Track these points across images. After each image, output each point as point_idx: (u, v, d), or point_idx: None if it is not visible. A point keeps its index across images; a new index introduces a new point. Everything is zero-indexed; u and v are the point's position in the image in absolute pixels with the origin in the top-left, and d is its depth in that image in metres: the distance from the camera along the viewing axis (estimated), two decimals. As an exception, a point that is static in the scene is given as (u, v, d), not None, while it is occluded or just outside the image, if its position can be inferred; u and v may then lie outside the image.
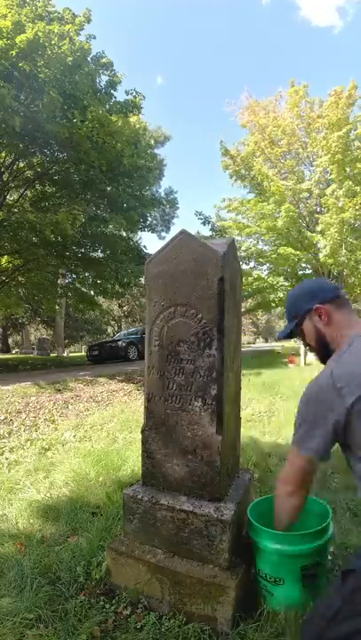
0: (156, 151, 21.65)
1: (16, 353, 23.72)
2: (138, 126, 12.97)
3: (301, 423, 1.12)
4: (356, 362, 1.05)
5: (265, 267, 15.52)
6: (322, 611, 0.97)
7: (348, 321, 1.19)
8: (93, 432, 4.73)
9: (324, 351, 1.24)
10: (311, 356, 12.76)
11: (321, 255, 12.53)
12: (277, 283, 14.01)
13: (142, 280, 9.71)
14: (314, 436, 1.08)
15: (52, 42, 8.35)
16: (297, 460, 1.16)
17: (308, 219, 14.44)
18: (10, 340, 29.62)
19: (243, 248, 14.64)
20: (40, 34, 7.80)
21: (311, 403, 1.08)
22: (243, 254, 14.69)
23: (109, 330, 33.15)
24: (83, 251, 12.24)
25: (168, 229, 25.42)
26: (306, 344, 1.32)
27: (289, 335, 1.36)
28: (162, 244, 2.23)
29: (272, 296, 14.26)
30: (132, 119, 12.06)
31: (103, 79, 10.29)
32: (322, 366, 1.20)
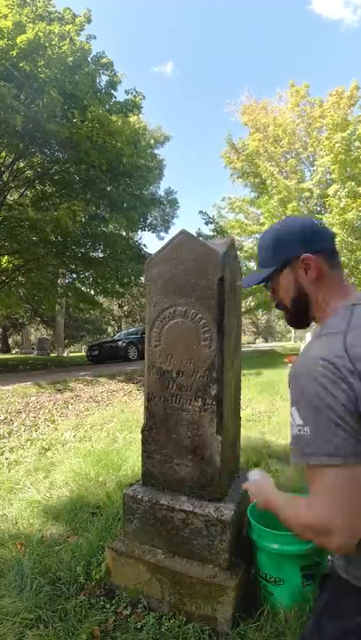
0: (156, 151, 21.66)
1: (16, 353, 23.72)
2: (138, 126, 12.99)
3: (315, 424, 0.70)
4: None
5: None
6: (310, 626, 0.86)
7: (339, 285, 0.89)
8: (93, 432, 4.73)
9: (299, 315, 0.94)
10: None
11: None
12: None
13: (142, 280, 9.72)
14: (338, 434, 0.68)
15: (53, 42, 8.36)
16: (329, 482, 0.68)
17: (308, 219, 14.45)
18: (10, 340, 29.61)
19: (244, 248, 14.66)
20: (40, 34, 7.80)
21: (321, 390, 0.69)
22: (244, 254, 14.71)
23: (109, 330, 33.14)
24: (83, 250, 12.24)
25: (168, 229, 25.43)
26: (276, 301, 0.98)
27: (259, 283, 0.98)
28: (162, 244, 2.24)
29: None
30: (132, 119, 12.07)
31: (103, 79, 10.31)
32: None
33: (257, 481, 1.20)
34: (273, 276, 0.94)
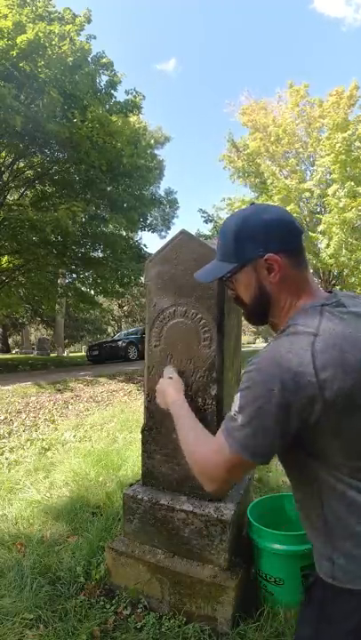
0: (156, 152, 21.67)
1: (16, 353, 23.72)
2: (138, 126, 13.00)
3: (250, 419, 0.73)
4: (343, 341, 0.72)
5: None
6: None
7: (305, 285, 0.85)
8: (93, 432, 4.73)
9: (258, 314, 0.90)
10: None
11: (324, 255, 12.57)
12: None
13: (142, 279, 9.72)
14: (266, 440, 0.73)
15: (53, 42, 8.37)
16: (232, 463, 0.78)
17: (308, 219, 14.47)
18: (10, 340, 29.61)
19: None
20: (40, 34, 7.81)
21: (272, 394, 0.70)
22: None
23: (109, 330, 33.14)
24: (83, 250, 12.25)
25: (168, 229, 25.45)
26: (234, 296, 0.93)
27: (219, 279, 0.92)
28: (162, 243, 2.24)
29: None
30: (132, 119, 12.08)
31: (103, 79, 10.32)
32: None
33: (172, 381, 1.27)
34: (236, 271, 0.88)
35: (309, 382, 0.69)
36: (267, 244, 0.82)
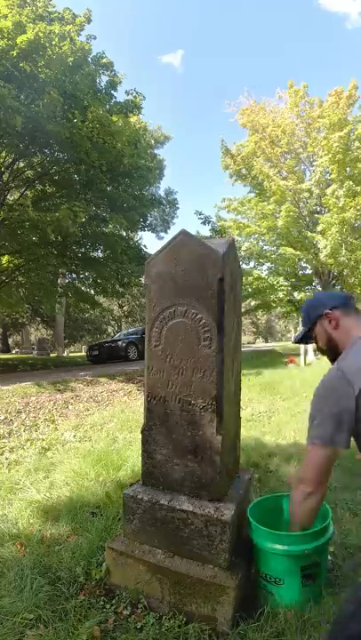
0: (155, 151, 21.69)
1: (16, 353, 23.74)
2: (138, 126, 12.97)
3: (317, 416, 1.20)
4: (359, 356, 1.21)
5: (265, 267, 15.57)
6: (340, 616, 1.10)
7: (355, 324, 1.33)
8: (93, 432, 4.73)
9: (333, 353, 1.37)
10: (311, 356, 12.78)
11: (322, 255, 12.57)
12: (277, 283, 14.08)
13: (142, 280, 9.68)
14: (330, 427, 1.17)
15: (53, 42, 8.36)
16: (315, 455, 1.23)
17: (308, 219, 14.46)
18: (10, 340, 29.63)
19: (243, 248, 14.65)
20: (41, 34, 7.80)
21: (324, 395, 1.20)
22: (243, 254, 14.70)
23: (109, 330, 33.16)
24: (83, 250, 12.24)
25: (168, 229, 25.45)
26: (319, 347, 1.46)
27: (303, 339, 1.54)
28: (162, 244, 2.24)
29: (272, 296, 14.32)
30: (133, 119, 12.07)
31: (103, 79, 10.31)
32: (324, 366, 1.27)
33: None
34: (312, 329, 1.46)
35: (341, 379, 1.20)
36: (323, 306, 1.42)
